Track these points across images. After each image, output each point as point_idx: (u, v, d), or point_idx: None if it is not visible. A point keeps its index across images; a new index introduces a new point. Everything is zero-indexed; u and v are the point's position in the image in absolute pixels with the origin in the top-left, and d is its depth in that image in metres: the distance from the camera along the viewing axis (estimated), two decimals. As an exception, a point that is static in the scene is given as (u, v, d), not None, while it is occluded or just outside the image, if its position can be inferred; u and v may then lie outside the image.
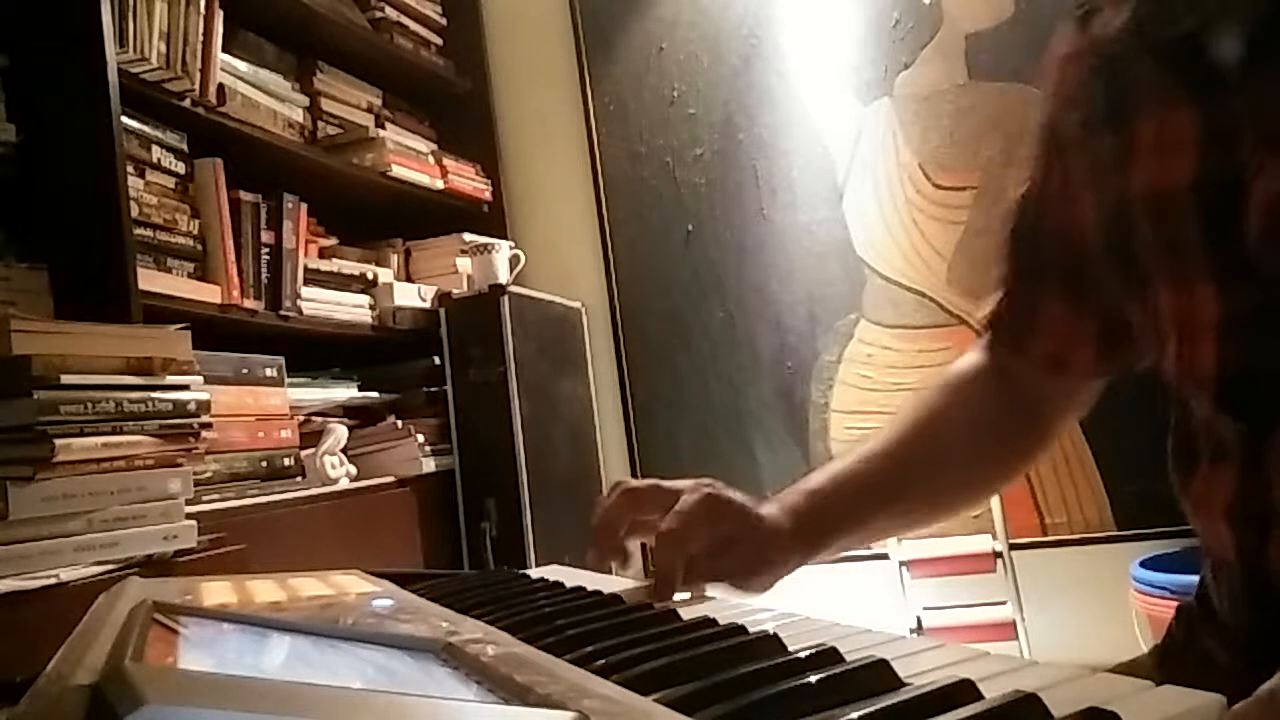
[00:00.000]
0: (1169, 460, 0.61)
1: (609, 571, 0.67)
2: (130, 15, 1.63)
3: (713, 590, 0.63)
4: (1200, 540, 0.59)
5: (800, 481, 0.72)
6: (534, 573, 0.68)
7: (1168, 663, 0.64)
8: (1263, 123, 0.51)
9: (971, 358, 0.78)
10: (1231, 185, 0.51)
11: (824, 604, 0.72)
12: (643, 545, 0.67)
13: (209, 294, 1.73)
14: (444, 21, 2.58)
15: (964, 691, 0.32)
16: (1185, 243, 0.54)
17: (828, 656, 0.38)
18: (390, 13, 2.37)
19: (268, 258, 1.89)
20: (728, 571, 0.65)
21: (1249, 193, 0.50)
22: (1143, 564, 1.81)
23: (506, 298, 2.11)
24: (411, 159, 2.30)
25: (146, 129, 1.66)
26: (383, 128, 2.34)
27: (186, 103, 1.74)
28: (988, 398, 0.75)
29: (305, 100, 2.14)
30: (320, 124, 2.18)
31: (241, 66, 1.94)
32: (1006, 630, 1.87)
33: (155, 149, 1.68)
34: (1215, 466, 0.56)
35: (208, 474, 1.59)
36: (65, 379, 1.07)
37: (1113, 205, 0.59)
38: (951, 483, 0.76)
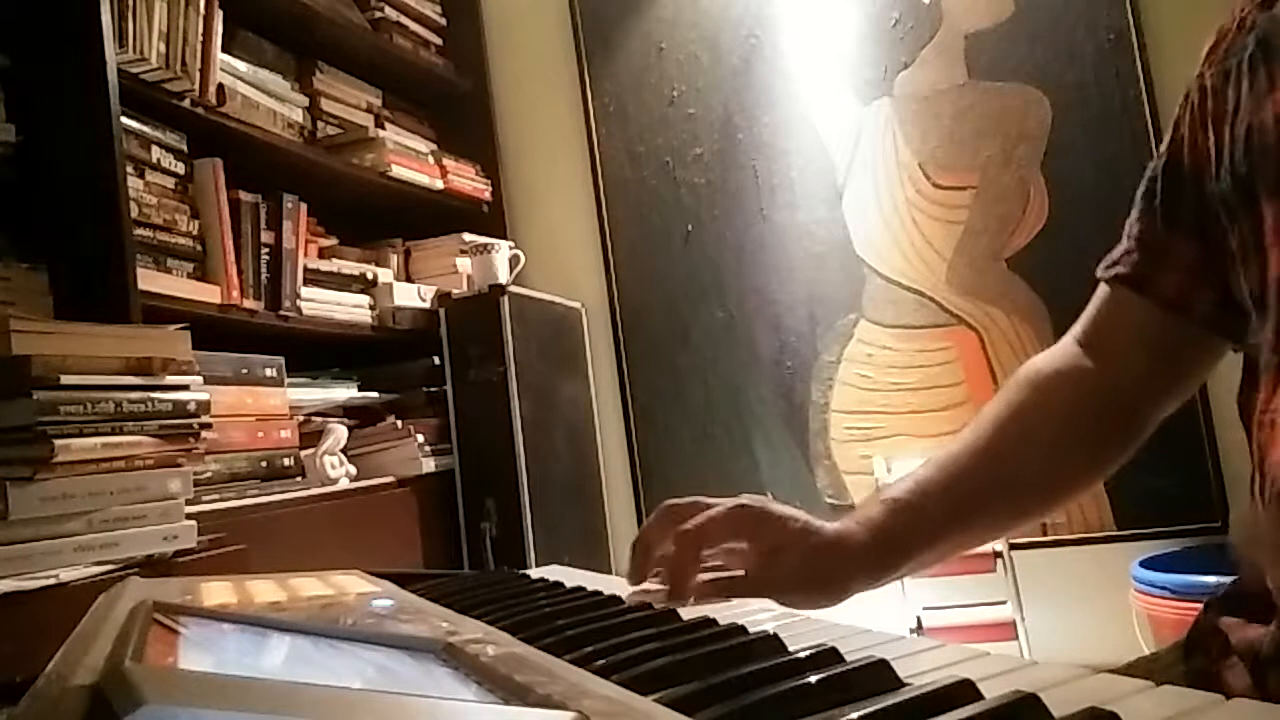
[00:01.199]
0: (1242, 379, 0.61)
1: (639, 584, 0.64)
2: (130, 15, 1.63)
3: (764, 603, 0.59)
4: (1255, 459, 0.59)
5: (880, 490, 0.71)
6: (534, 573, 0.68)
7: (1193, 657, 0.63)
8: None
9: (1055, 352, 0.76)
10: None
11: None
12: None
13: (209, 294, 1.73)
14: (444, 21, 2.58)
15: (964, 691, 0.32)
16: None
17: (828, 656, 0.38)
18: (390, 13, 2.37)
19: (267, 258, 1.89)
20: (775, 582, 0.63)
21: None
22: (1143, 564, 1.81)
23: (506, 298, 2.11)
24: (411, 159, 2.30)
25: (146, 129, 1.66)
26: (382, 128, 2.34)
27: (186, 103, 1.74)
28: (1073, 391, 0.73)
29: (305, 100, 2.14)
30: (320, 124, 2.18)
31: (241, 66, 1.94)
32: (1006, 630, 1.87)
33: (155, 149, 1.68)
34: None
35: (208, 474, 1.59)
36: (65, 379, 1.07)
37: (1240, 139, 0.60)
38: (1038, 482, 0.73)
